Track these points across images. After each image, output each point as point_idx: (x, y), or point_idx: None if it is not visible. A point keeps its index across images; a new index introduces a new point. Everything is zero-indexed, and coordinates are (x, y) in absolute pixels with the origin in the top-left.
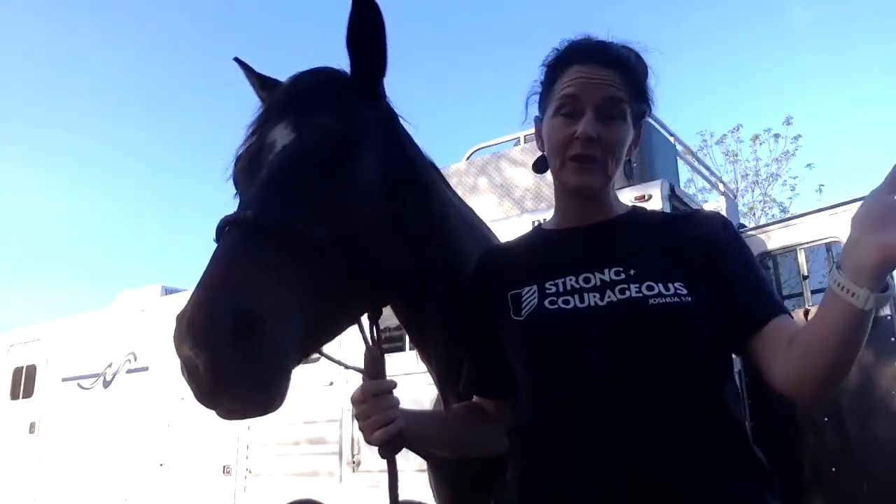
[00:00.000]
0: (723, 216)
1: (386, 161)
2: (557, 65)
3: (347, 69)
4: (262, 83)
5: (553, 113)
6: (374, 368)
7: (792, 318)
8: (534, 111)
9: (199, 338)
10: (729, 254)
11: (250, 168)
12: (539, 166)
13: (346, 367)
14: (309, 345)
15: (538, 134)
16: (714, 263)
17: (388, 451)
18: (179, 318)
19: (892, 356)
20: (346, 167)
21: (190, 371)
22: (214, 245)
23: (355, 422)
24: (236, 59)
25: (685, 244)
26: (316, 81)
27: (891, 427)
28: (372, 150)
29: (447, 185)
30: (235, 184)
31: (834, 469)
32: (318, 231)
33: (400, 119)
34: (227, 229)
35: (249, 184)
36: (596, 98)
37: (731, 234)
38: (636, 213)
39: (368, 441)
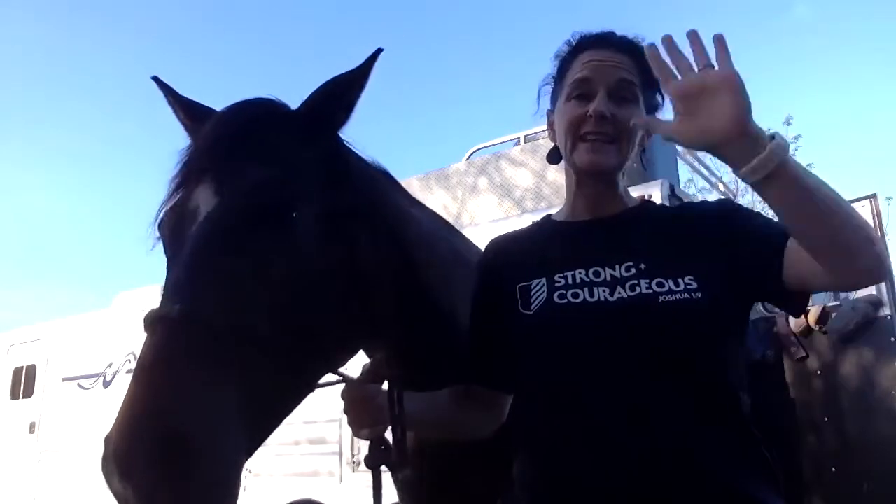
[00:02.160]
0: (732, 201)
1: (332, 205)
2: (568, 55)
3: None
4: (187, 111)
5: (565, 98)
6: (362, 377)
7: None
8: (546, 104)
9: (126, 470)
10: (738, 216)
11: (174, 239)
12: (552, 157)
13: (338, 382)
14: (259, 438)
15: (550, 126)
16: (726, 229)
17: (375, 457)
18: (106, 443)
19: (892, 356)
20: (281, 232)
21: None
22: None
23: None
24: (154, 79)
25: (696, 235)
26: (244, 122)
27: (891, 427)
28: (313, 200)
29: (411, 201)
30: (165, 253)
31: (834, 469)
32: (259, 320)
33: (350, 148)
34: (149, 329)
35: (172, 261)
36: (608, 80)
37: (738, 209)
38: (646, 207)
39: (356, 436)
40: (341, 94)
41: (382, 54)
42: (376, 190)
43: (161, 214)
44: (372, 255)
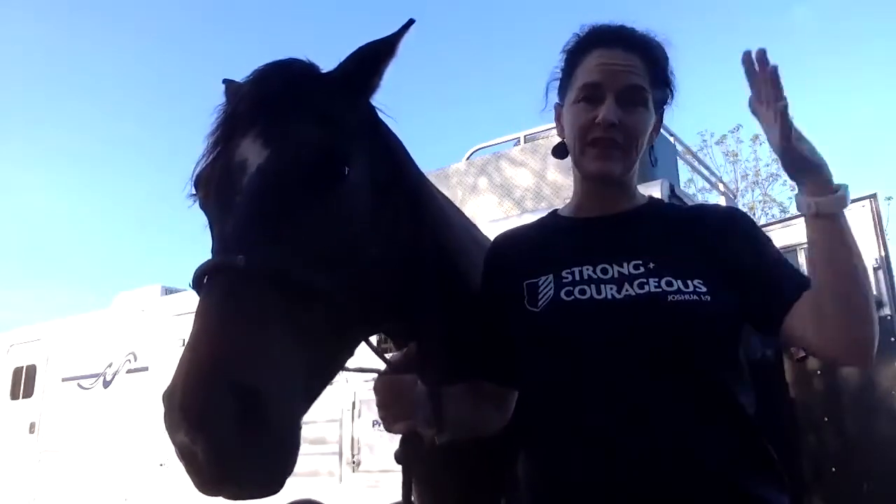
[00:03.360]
0: (742, 211)
1: (372, 172)
2: (578, 50)
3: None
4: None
5: (574, 99)
6: (398, 363)
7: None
8: (554, 98)
9: (197, 423)
10: (748, 244)
11: (220, 192)
12: (559, 152)
13: (381, 357)
14: (313, 396)
15: (558, 120)
16: (734, 256)
17: (407, 451)
18: (169, 397)
19: (892, 356)
20: (334, 189)
21: (188, 459)
22: (195, 291)
23: (355, 422)
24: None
25: (704, 240)
26: (286, 80)
27: (891, 427)
28: (359, 164)
29: (436, 189)
30: (203, 209)
31: (834, 469)
32: (318, 275)
33: (383, 119)
34: (210, 278)
35: (223, 213)
36: (618, 84)
37: (748, 226)
38: (654, 205)
39: (389, 430)
40: (373, 59)
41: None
42: (408, 163)
43: (200, 169)
44: (411, 228)
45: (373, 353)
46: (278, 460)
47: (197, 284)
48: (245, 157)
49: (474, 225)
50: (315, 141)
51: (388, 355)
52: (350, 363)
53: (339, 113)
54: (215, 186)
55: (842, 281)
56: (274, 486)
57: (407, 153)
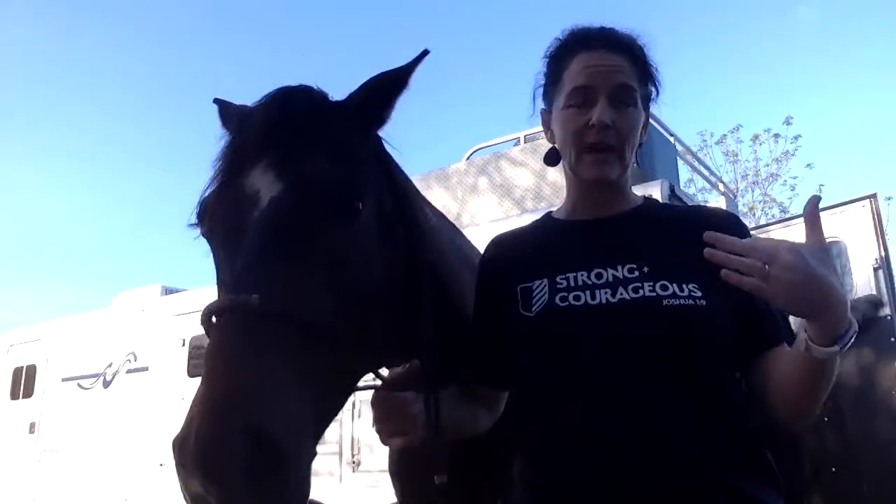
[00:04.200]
0: (736, 217)
1: (381, 205)
2: (562, 55)
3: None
4: (225, 115)
5: (564, 104)
6: (398, 379)
7: (787, 346)
8: (541, 105)
9: (213, 473)
10: None
11: (228, 224)
12: (550, 159)
13: (377, 376)
14: (321, 434)
15: (546, 126)
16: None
17: (409, 468)
18: (182, 442)
19: (892, 356)
20: (348, 226)
21: None
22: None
23: (355, 422)
24: (217, 101)
25: (699, 243)
26: (298, 109)
27: (891, 427)
28: (369, 198)
29: (425, 202)
30: (208, 239)
31: (834, 469)
32: (331, 315)
33: (386, 145)
34: (223, 317)
35: (231, 247)
36: (608, 86)
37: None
38: (649, 206)
39: (385, 444)
40: (386, 90)
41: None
42: (409, 190)
43: (205, 198)
44: (410, 254)
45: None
46: (294, 502)
47: (207, 322)
48: (256, 189)
49: (462, 235)
50: (330, 175)
51: (385, 371)
52: None
53: (351, 145)
54: (222, 217)
55: (806, 402)
56: None
57: (409, 182)
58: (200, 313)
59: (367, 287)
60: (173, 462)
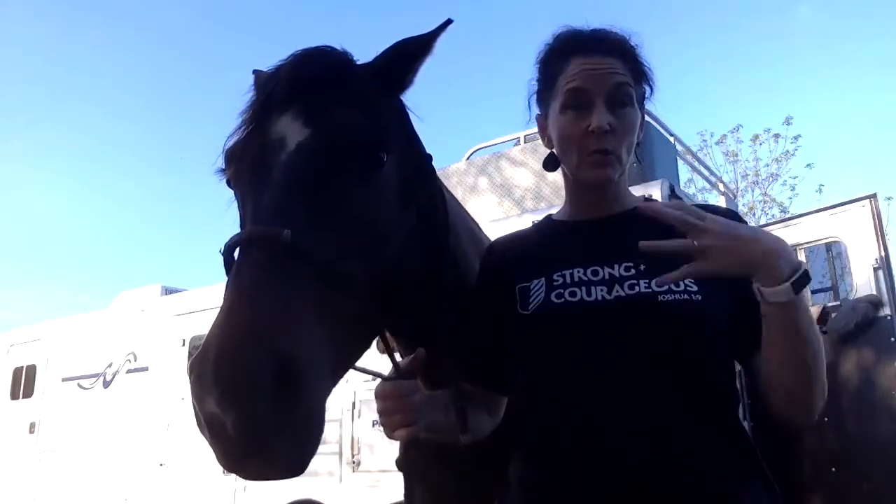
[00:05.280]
0: (736, 213)
1: (402, 164)
2: (555, 59)
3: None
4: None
5: (561, 109)
6: (405, 367)
7: None
8: (536, 111)
9: (231, 392)
10: None
11: (255, 168)
12: (549, 164)
13: (374, 374)
14: (337, 381)
15: (542, 131)
16: None
17: (409, 457)
18: (200, 363)
19: (892, 356)
20: (371, 175)
21: (214, 431)
22: (224, 257)
23: (355, 422)
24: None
25: None
26: (325, 64)
27: (891, 427)
28: (393, 154)
29: (447, 191)
30: (232, 184)
31: (834, 469)
32: (356, 265)
33: (410, 112)
34: (249, 246)
35: (258, 187)
36: (604, 88)
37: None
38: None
39: (390, 437)
40: (410, 56)
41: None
42: (429, 162)
43: (232, 144)
44: (429, 224)
45: (376, 354)
46: (310, 438)
47: (230, 253)
48: (284, 134)
49: (478, 226)
50: (357, 122)
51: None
52: (353, 373)
53: (375, 101)
54: (250, 161)
55: (788, 371)
56: (301, 466)
57: (428, 154)
58: (223, 247)
59: (386, 242)
60: (190, 382)
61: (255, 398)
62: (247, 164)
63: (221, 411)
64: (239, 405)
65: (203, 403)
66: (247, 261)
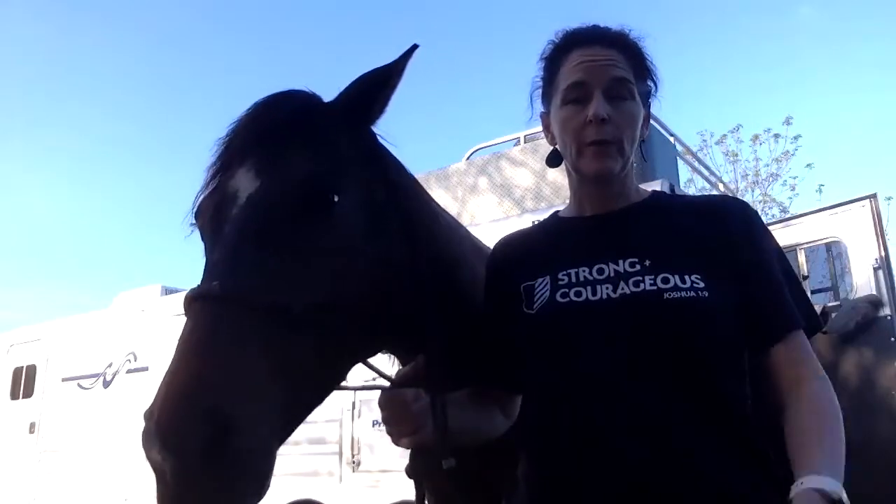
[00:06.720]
0: (746, 205)
1: (370, 194)
2: (556, 55)
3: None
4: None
5: (561, 103)
6: (406, 375)
7: (803, 335)
8: (539, 108)
9: (169, 444)
10: (749, 251)
11: (214, 222)
12: (552, 160)
13: (382, 375)
14: (293, 423)
15: (546, 128)
16: (735, 258)
17: (418, 465)
18: (148, 418)
19: (892, 356)
20: (321, 216)
21: (158, 475)
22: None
23: (355, 422)
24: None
25: (706, 233)
26: (282, 112)
27: (891, 427)
28: (352, 188)
29: (440, 207)
30: (202, 239)
31: None
32: (296, 298)
33: (381, 140)
34: (190, 305)
35: (213, 244)
36: (602, 80)
37: (755, 229)
38: (656, 199)
39: (397, 444)
40: (376, 89)
41: (405, 52)
42: (407, 183)
43: (199, 202)
44: (408, 246)
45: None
46: (242, 490)
47: (185, 312)
48: (237, 188)
49: (470, 235)
50: (302, 170)
51: (393, 371)
52: (355, 377)
53: (334, 142)
54: (210, 217)
55: None
56: None
57: (410, 178)
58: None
59: (348, 278)
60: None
61: (188, 452)
62: (208, 221)
63: (162, 459)
64: (174, 457)
65: (148, 451)
66: (189, 318)
